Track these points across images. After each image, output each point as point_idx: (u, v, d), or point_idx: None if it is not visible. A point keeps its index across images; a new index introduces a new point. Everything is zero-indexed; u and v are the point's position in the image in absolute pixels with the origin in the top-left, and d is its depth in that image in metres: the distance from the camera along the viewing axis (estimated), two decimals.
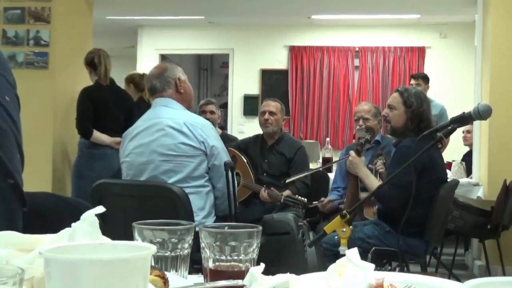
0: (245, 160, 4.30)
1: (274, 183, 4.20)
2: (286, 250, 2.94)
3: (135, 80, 5.51)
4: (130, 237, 1.00)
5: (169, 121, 2.99)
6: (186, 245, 1.02)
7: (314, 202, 4.02)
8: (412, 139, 3.23)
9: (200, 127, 3.00)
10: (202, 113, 5.00)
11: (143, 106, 5.13)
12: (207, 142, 2.98)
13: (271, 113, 4.34)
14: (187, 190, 2.84)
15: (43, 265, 0.65)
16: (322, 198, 4.09)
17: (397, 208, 3.12)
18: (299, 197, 3.99)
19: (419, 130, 3.32)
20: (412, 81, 6.11)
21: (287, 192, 4.10)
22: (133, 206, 2.80)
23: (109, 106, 4.94)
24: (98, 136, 4.93)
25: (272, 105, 4.39)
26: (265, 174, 4.32)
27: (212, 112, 5.05)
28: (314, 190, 4.27)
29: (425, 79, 6.14)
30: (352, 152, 3.63)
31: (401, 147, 3.33)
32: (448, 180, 3.64)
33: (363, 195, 3.55)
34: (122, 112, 4.98)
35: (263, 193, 4.08)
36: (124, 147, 3.13)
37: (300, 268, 2.67)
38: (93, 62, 4.98)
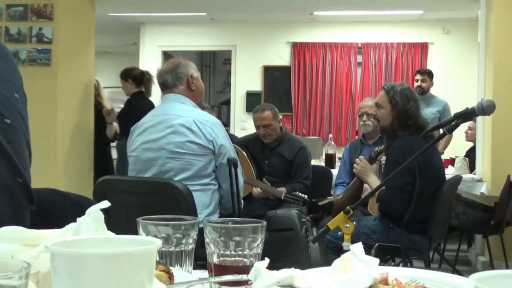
0: (246, 156, 4.30)
1: (276, 182, 4.21)
2: (290, 246, 2.93)
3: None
4: (133, 234, 1.00)
5: (178, 118, 2.97)
6: (191, 240, 1.02)
7: (328, 197, 4.02)
8: (404, 139, 3.21)
9: (210, 125, 2.97)
10: None
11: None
12: (216, 141, 2.95)
13: (265, 126, 4.28)
14: (193, 188, 2.83)
15: (49, 259, 0.66)
16: (337, 193, 4.09)
17: (399, 209, 3.13)
18: (300, 194, 3.99)
19: (407, 128, 3.29)
20: (418, 77, 6.12)
21: (282, 189, 4.13)
22: (137, 203, 2.80)
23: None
24: None
25: (264, 116, 4.28)
26: (266, 175, 4.32)
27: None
28: (318, 186, 4.27)
29: (430, 75, 6.15)
30: (362, 158, 3.52)
31: (393, 148, 3.27)
32: (451, 175, 3.62)
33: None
34: None
35: (255, 190, 4.11)
36: (132, 141, 3.11)
37: (303, 264, 2.67)
38: (137, 78, 5.22)
